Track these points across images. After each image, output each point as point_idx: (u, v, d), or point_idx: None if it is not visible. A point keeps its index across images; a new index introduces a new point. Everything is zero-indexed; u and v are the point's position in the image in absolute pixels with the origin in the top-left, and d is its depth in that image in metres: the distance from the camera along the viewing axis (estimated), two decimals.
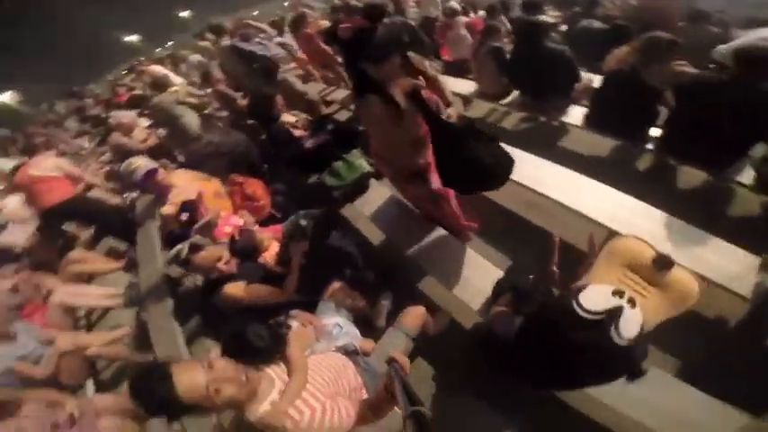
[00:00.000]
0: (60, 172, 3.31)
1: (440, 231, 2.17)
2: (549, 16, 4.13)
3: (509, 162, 1.62)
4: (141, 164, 2.81)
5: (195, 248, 1.85)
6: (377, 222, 2.50)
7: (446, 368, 1.91)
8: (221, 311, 1.76)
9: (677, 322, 0.90)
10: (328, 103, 4.13)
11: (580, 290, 0.87)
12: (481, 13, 4.39)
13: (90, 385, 2.38)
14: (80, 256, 3.21)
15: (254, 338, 1.17)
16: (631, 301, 0.83)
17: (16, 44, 14.17)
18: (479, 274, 1.90)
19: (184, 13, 17.89)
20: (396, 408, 1.10)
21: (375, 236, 2.56)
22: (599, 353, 0.81)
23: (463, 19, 3.96)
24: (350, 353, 1.51)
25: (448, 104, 1.80)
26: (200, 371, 0.97)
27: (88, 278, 3.16)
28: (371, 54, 1.44)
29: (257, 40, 3.98)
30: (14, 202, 3.72)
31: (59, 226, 3.61)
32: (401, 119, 1.51)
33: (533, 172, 2.29)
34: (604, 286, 0.86)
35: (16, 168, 3.34)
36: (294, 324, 1.46)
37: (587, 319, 0.81)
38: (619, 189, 2.08)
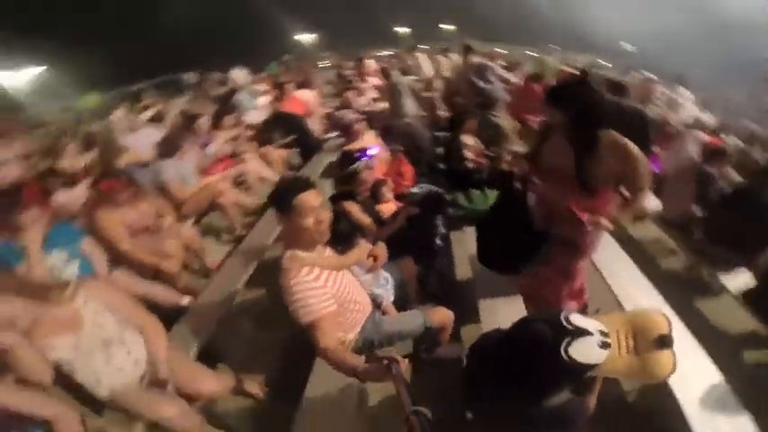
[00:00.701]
0: (307, 101, 5.24)
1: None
2: None
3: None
4: (349, 114, 3.95)
5: (367, 167, 2.54)
6: (472, 257, 2.58)
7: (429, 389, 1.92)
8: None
9: None
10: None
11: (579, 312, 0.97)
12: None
13: (190, 222, 3.25)
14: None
15: (340, 223, 1.72)
16: (605, 345, 0.89)
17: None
18: None
19: (449, 27, 21.19)
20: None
21: (462, 264, 2.78)
22: (536, 347, 0.91)
23: (703, 136, 3.62)
24: (375, 302, 1.85)
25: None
26: (319, 200, 1.43)
27: (268, 164, 4.40)
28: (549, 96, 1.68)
29: (491, 77, 4.54)
30: (265, 100, 5.94)
31: (277, 126, 5.07)
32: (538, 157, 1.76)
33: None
34: (599, 323, 0.93)
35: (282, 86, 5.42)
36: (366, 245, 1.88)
37: (558, 322, 0.92)
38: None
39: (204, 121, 4.10)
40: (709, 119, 3.74)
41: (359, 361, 1.29)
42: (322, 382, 1.73)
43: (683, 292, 2.71)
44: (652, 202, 3.16)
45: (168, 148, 3.37)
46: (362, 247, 1.80)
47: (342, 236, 1.73)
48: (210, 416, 1.95)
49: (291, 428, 1.59)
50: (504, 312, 2.04)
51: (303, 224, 1.40)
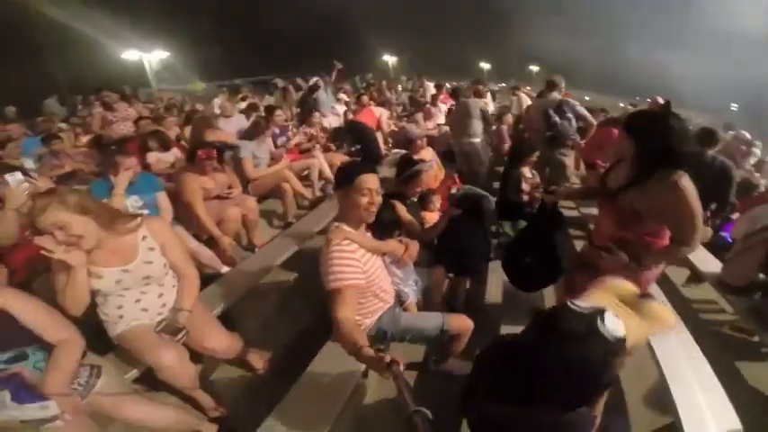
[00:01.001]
0: (378, 114, 5.69)
1: None
2: None
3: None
4: (416, 130, 4.11)
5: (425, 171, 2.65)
6: (505, 283, 2.58)
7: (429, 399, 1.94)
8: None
9: None
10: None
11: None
12: None
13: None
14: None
15: (385, 214, 1.88)
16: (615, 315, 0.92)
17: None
18: None
19: (534, 68, 21.03)
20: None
21: (494, 290, 2.74)
22: (585, 341, 0.87)
23: None
24: (399, 299, 1.90)
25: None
26: (376, 185, 1.55)
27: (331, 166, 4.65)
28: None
29: (569, 114, 4.41)
30: (342, 110, 6.42)
31: (347, 134, 5.39)
32: None
33: (685, 368, 1.82)
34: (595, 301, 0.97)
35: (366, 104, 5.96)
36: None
37: (576, 310, 0.90)
38: None
39: (280, 115, 4.51)
40: None
41: (364, 342, 1.29)
42: (325, 366, 1.76)
43: (726, 350, 2.58)
44: (710, 265, 2.86)
45: (250, 133, 3.80)
46: (398, 242, 1.91)
47: (384, 225, 1.84)
48: (205, 378, 2.07)
49: (280, 402, 1.60)
50: None
51: (358, 201, 1.53)
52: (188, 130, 4.75)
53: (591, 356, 0.87)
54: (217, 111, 5.19)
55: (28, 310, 1.32)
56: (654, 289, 2.45)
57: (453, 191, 2.71)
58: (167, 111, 5.61)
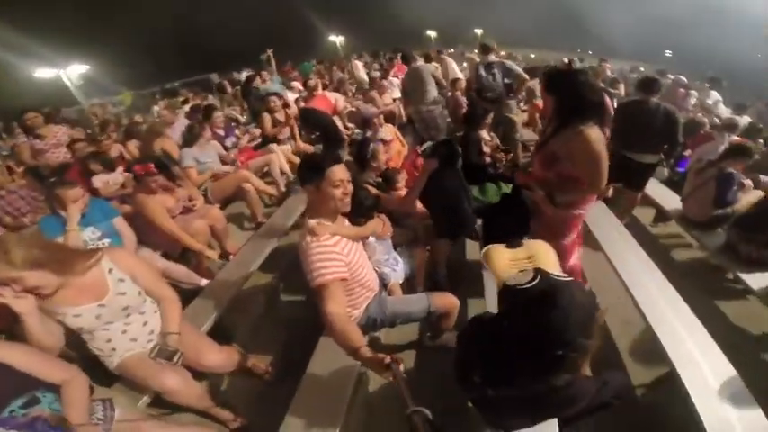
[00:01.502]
0: (333, 100, 5.49)
1: None
2: None
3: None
4: (371, 109, 4.09)
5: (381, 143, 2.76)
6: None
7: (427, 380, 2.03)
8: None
9: None
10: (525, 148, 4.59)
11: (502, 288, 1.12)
12: None
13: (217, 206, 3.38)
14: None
15: (362, 196, 1.89)
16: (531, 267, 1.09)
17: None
18: None
19: (478, 30, 21.54)
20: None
21: (473, 250, 2.82)
22: (556, 292, 0.97)
23: (735, 138, 3.51)
24: (383, 281, 1.94)
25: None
26: (346, 175, 1.56)
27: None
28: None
29: (495, 71, 4.52)
30: (293, 98, 6.21)
31: (302, 120, 5.28)
32: None
33: (667, 313, 1.91)
34: (508, 274, 1.13)
35: (315, 88, 5.73)
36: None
37: (527, 288, 1.00)
38: None
39: (219, 116, 4.36)
40: (741, 120, 3.60)
41: (361, 341, 1.32)
42: (324, 362, 1.78)
43: (699, 286, 2.66)
44: (673, 202, 3.10)
45: (188, 140, 3.64)
46: (379, 220, 1.95)
47: (366, 209, 1.88)
48: (215, 392, 2.08)
49: (289, 406, 1.61)
50: None
51: (332, 193, 1.52)
52: (130, 145, 4.51)
53: (558, 311, 0.94)
54: (162, 119, 4.93)
55: (18, 357, 1.29)
56: (621, 231, 2.67)
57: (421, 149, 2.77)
58: (102, 130, 5.26)
